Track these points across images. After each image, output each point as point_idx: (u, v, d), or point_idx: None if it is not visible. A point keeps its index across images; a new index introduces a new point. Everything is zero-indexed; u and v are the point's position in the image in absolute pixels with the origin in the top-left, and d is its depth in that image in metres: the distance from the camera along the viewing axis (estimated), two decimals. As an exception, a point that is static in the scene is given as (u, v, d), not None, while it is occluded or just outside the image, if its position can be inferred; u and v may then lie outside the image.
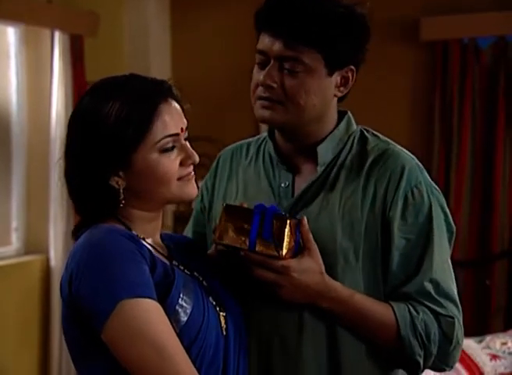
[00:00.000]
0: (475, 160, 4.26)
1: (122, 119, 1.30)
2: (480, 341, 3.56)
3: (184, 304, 1.29)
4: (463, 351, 3.18)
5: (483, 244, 4.26)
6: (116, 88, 1.34)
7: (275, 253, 1.41)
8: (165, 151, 1.34)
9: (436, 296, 1.48)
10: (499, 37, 4.21)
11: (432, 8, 4.29)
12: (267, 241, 1.41)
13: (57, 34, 3.99)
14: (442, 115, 4.29)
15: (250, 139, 1.69)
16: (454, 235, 1.56)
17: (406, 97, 4.43)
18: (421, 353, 1.47)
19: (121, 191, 1.31)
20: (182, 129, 1.36)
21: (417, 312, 1.47)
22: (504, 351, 3.45)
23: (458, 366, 3.20)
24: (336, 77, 1.51)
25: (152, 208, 1.38)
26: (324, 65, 1.48)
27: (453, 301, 1.50)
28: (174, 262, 1.38)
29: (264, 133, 1.65)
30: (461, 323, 1.51)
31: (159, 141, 1.33)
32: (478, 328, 4.06)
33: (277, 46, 1.46)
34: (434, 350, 1.48)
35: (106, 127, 1.30)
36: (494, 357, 3.41)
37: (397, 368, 1.55)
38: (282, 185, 1.56)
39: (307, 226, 1.44)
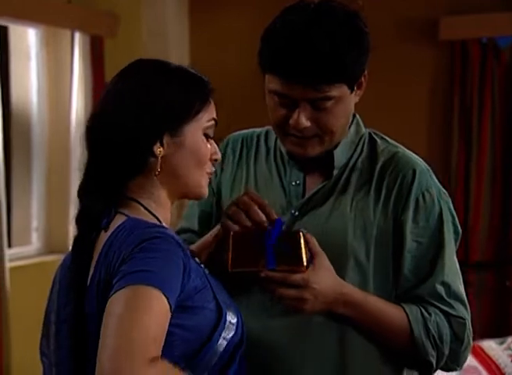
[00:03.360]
0: (495, 160, 4.24)
1: (185, 86, 1.34)
2: (501, 343, 3.53)
3: (231, 320, 1.32)
4: (484, 352, 3.17)
5: (503, 245, 4.23)
6: (173, 66, 1.38)
7: (297, 267, 1.39)
8: (206, 135, 1.37)
9: (447, 298, 1.50)
10: (519, 37, 4.19)
11: (451, 7, 4.27)
12: (283, 257, 1.39)
13: (77, 35, 4.01)
14: (461, 114, 4.27)
15: (258, 130, 1.68)
16: (460, 237, 1.58)
17: (424, 96, 4.41)
18: (434, 354, 1.49)
19: (159, 159, 1.32)
20: (216, 121, 1.41)
21: (429, 314, 1.49)
22: (526, 353, 3.42)
23: (479, 367, 3.19)
24: (355, 89, 1.51)
25: (173, 196, 1.38)
26: (347, 88, 1.48)
27: (462, 302, 1.52)
28: (196, 259, 1.39)
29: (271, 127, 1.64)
30: (470, 323, 1.53)
31: (209, 120, 1.37)
32: (498, 329, 4.04)
33: (303, 91, 1.44)
34: (446, 351, 1.50)
35: (170, 88, 1.32)
36: (515, 358, 3.38)
37: (410, 369, 1.56)
38: (293, 183, 1.56)
39: (309, 234, 1.44)
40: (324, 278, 1.42)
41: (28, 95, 4.07)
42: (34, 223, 4.14)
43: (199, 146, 1.35)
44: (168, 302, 1.20)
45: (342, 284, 1.45)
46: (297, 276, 1.39)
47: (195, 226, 1.66)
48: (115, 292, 1.20)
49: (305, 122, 1.46)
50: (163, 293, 1.19)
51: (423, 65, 4.37)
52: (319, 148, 1.51)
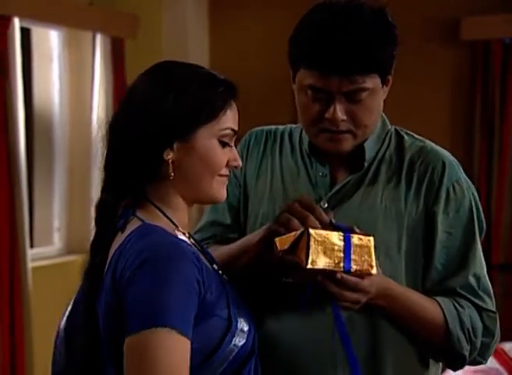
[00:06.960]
0: (517, 160, 4.22)
1: (202, 92, 1.34)
2: (524, 344, 3.51)
3: (242, 327, 1.32)
4: (505, 354, 3.15)
5: (525, 246, 4.21)
6: (199, 70, 1.38)
7: (370, 271, 1.38)
8: (221, 142, 1.36)
9: (478, 291, 1.51)
10: (541, 37, 4.16)
11: (473, 7, 4.25)
12: (356, 260, 1.37)
13: (98, 37, 4.04)
14: (483, 114, 4.25)
15: (280, 127, 1.68)
16: (484, 232, 1.58)
17: (446, 96, 4.39)
18: (468, 348, 1.50)
19: (170, 164, 1.32)
20: (236, 131, 1.39)
21: (462, 307, 1.50)
22: (548, 355, 3.39)
23: (500, 368, 3.17)
24: (384, 85, 1.53)
25: (188, 201, 1.39)
26: (380, 81, 1.49)
27: (490, 296, 1.54)
28: (214, 266, 1.39)
29: (293, 125, 1.66)
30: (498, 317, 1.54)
31: (224, 129, 1.35)
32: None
33: (339, 83, 1.45)
34: (478, 344, 1.51)
35: (185, 93, 1.33)
36: (538, 360, 3.35)
37: (442, 362, 1.57)
38: (320, 174, 1.56)
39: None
40: (377, 280, 1.42)
41: (50, 96, 4.10)
42: (56, 224, 4.16)
43: (211, 153, 1.34)
44: (188, 338, 1.20)
45: (386, 280, 1.46)
46: (365, 283, 1.38)
47: (227, 219, 1.65)
48: (129, 335, 1.19)
49: (341, 115, 1.47)
50: (181, 332, 1.19)
51: (445, 65, 4.34)
52: (352, 142, 1.51)
